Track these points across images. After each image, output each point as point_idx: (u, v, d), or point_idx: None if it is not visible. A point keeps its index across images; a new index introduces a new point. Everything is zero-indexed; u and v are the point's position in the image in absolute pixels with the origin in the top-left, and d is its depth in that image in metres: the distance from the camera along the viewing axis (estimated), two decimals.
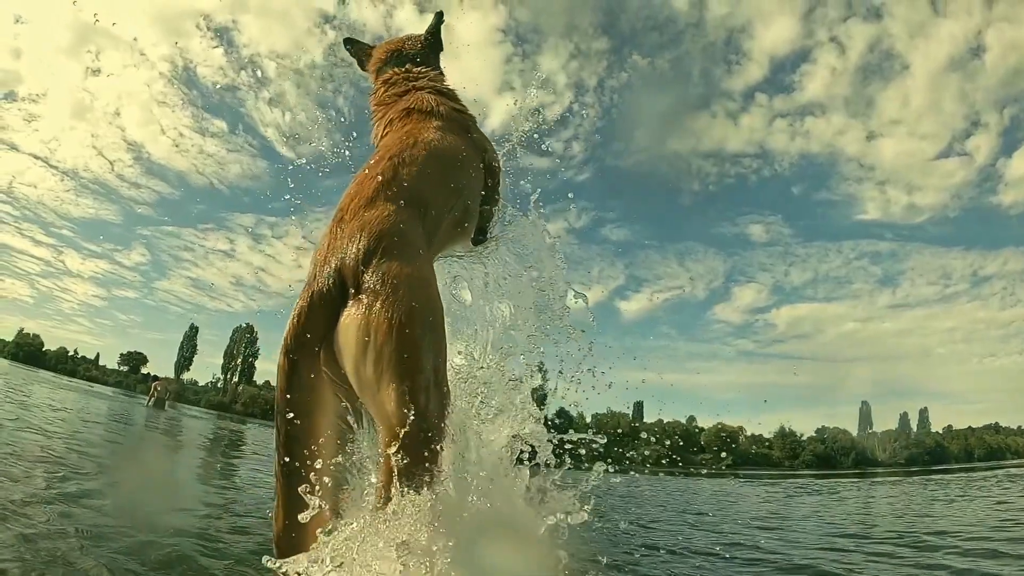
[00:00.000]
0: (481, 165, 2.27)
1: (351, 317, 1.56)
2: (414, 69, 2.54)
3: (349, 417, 1.69)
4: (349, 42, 2.79)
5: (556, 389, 2.51)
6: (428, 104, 2.29)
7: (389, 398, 1.51)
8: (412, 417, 1.47)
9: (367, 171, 1.89)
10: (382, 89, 2.51)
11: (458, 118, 2.32)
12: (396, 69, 2.54)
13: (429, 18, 2.76)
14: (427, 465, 1.49)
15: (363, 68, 2.77)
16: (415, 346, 1.55)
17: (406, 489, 1.46)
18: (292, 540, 1.55)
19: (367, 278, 1.58)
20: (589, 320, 2.70)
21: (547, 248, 2.65)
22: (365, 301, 1.55)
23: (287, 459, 1.55)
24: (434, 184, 1.96)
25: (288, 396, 1.55)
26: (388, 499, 1.47)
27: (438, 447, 1.52)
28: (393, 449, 1.46)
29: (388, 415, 1.51)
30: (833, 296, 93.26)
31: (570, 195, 3.17)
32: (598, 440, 2.47)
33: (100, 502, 2.14)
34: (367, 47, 2.75)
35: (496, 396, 2.33)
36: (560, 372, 2.61)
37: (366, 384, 1.55)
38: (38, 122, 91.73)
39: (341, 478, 1.66)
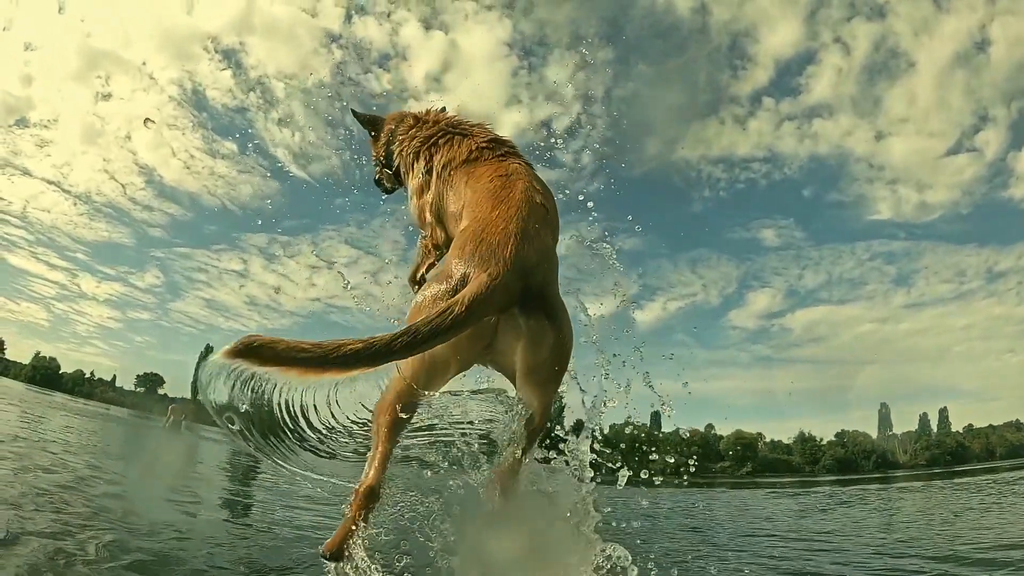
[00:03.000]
0: None
1: (547, 326, 1.93)
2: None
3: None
4: (355, 113, 2.96)
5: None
6: (512, 142, 2.53)
7: (550, 393, 2.09)
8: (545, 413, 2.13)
9: (531, 193, 2.12)
10: (414, 127, 2.67)
11: None
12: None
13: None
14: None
15: (372, 130, 2.91)
16: (566, 366, 2.08)
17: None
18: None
19: (550, 299, 1.96)
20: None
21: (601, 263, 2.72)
22: (557, 319, 1.97)
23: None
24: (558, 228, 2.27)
25: (439, 339, 1.70)
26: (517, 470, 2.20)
27: None
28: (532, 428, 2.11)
29: (543, 403, 2.09)
30: (848, 298, 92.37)
31: (630, 217, 3.25)
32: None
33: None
34: (377, 116, 2.94)
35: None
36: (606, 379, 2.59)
37: (543, 376, 2.02)
38: (50, 147, 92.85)
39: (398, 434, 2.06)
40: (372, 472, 2.02)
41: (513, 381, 2.10)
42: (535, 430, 2.14)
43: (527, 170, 2.32)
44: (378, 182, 3.04)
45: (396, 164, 2.75)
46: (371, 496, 2.00)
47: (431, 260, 2.62)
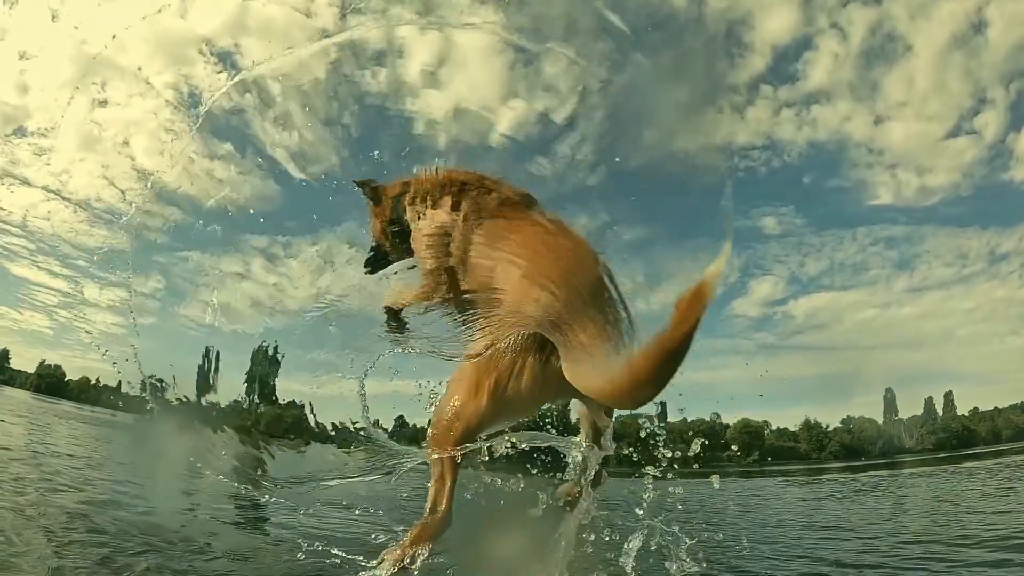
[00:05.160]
0: None
1: None
2: None
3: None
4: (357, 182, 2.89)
5: None
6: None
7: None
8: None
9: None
10: (437, 171, 2.62)
11: None
12: None
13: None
14: None
15: (374, 197, 2.82)
16: None
17: None
18: None
19: None
20: None
21: None
22: None
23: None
24: None
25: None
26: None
27: None
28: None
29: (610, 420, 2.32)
30: (850, 284, 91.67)
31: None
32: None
33: None
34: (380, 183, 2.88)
35: None
36: None
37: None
38: (48, 155, 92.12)
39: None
40: (444, 503, 2.02)
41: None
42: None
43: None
44: (372, 258, 2.94)
45: (407, 215, 2.65)
46: (445, 525, 2.02)
47: (430, 304, 2.53)
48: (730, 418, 59.98)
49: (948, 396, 62.50)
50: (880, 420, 61.17)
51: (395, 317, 2.66)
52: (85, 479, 4.59)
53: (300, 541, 3.30)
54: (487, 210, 2.37)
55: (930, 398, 63.00)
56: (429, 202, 2.53)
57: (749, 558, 3.93)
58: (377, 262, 2.91)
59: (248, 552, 2.93)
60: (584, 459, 2.30)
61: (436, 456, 2.03)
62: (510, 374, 1.89)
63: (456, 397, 2.00)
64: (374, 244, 2.88)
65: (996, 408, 59.23)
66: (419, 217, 2.57)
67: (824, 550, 4.33)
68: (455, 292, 2.43)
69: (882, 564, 3.78)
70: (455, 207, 2.42)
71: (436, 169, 2.64)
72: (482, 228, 2.33)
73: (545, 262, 2.05)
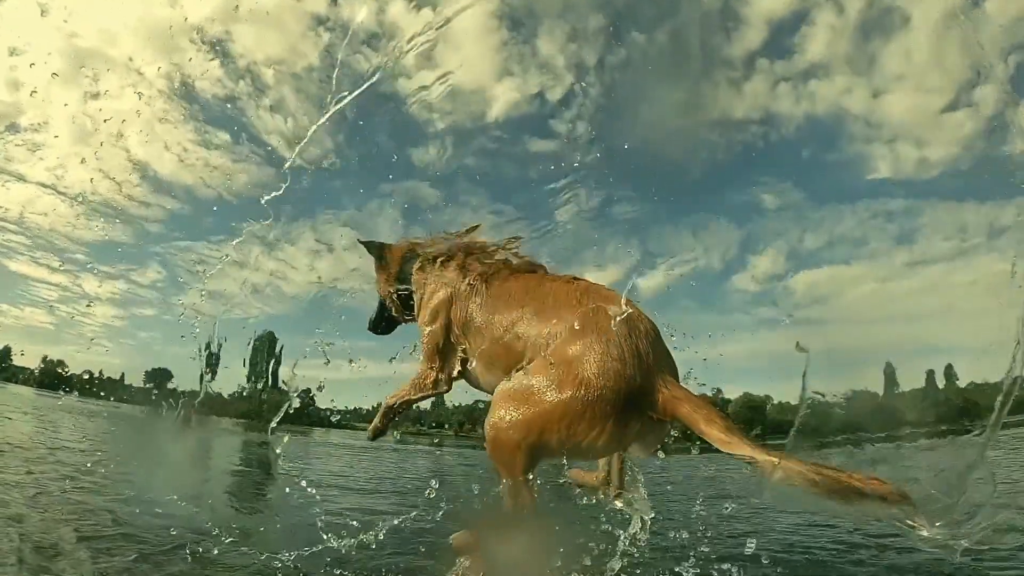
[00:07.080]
0: None
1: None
2: None
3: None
4: (362, 241, 2.87)
5: None
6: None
7: None
8: None
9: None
10: (444, 236, 2.68)
11: None
12: None
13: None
14: None
15: (381, 256, 2.83)
16: None
17: None
18: None
19: None
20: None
21: None
22: None
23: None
24: None
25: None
26: None
27: None
28: None
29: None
30: (850, 258, 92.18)
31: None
32: None
33: None
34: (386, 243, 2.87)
35: None
36: None
37: None
38: (42, 151, 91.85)
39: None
40: (524, 511, 2.02)
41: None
42: None
43: None
44: (377, 319, 2.93)
45: (413, 277, 2.67)
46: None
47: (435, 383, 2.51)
48: (732, 392, 60.36)
49: (948, 369, 62.84)
50: (881, 394, 61.57)
51: (387, 422, 2.66)
52: (104, 475, 4.58)
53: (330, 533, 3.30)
54: (498, 273, 2.40)
55: (931, 371, 63.18)
56: (437, 265, 2.56)
57: (771, 531, 3.93)
58: (383, 323, 2.90)
59: (282, 541, 2.90)
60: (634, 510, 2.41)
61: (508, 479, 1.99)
62: (586, 436, 1.87)
63: (523, 429, 1.92)
64: (380, 303, 2.88)
65: (992, 382, 59.28)
66: (426, 280, 2.59)
67: (844, 520, 4.32)
68: (454, 357, 2.45)
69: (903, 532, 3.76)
70: (462, 270, 2.45)
71: (444, 236, 2.69)
72: (493, 289, 2.34)
73: (593, 315, 2.03)
